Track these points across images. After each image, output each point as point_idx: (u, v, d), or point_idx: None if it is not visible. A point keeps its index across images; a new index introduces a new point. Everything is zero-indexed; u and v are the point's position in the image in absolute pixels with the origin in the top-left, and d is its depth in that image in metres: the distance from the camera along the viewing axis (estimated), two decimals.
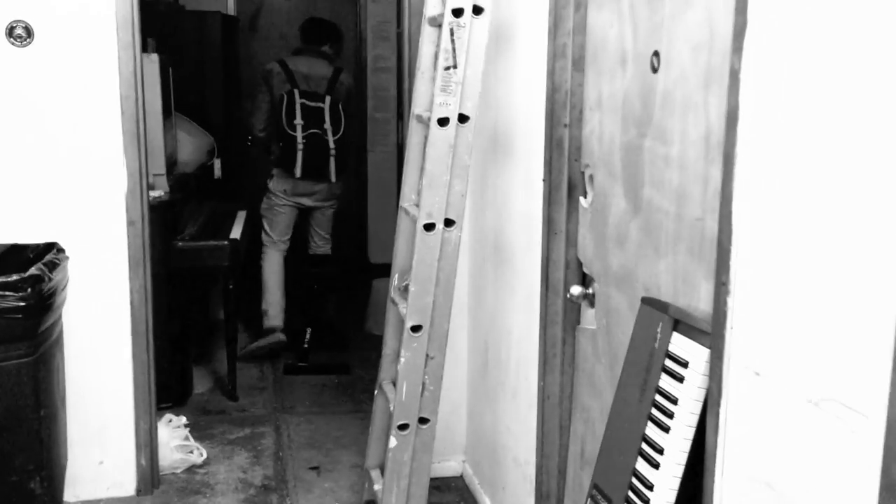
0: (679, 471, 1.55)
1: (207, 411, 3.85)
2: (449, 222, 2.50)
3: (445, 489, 3.22)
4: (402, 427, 2.58)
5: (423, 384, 2.58)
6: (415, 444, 2.61)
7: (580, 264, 2.27)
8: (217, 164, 5.16)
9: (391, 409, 2.64)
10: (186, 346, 4.06)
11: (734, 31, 1.38)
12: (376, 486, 2.79)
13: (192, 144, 4.72)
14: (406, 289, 2.62)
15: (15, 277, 2.48)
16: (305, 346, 4.46)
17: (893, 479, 1.06)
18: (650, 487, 1.59)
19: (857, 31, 1.12)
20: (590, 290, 2.21)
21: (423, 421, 2.60)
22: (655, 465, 1.59)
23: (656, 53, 1.80)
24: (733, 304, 1.42)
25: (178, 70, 4.38)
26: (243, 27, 6.28)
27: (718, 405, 1.46)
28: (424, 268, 2.50)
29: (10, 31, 2.80)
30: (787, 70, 1.26)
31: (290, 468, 3.33)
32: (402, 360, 2.55)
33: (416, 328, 2.53)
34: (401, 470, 2.61)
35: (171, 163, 4.19)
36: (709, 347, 1.50)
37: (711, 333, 1.48)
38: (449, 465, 3.32)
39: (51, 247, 2.80)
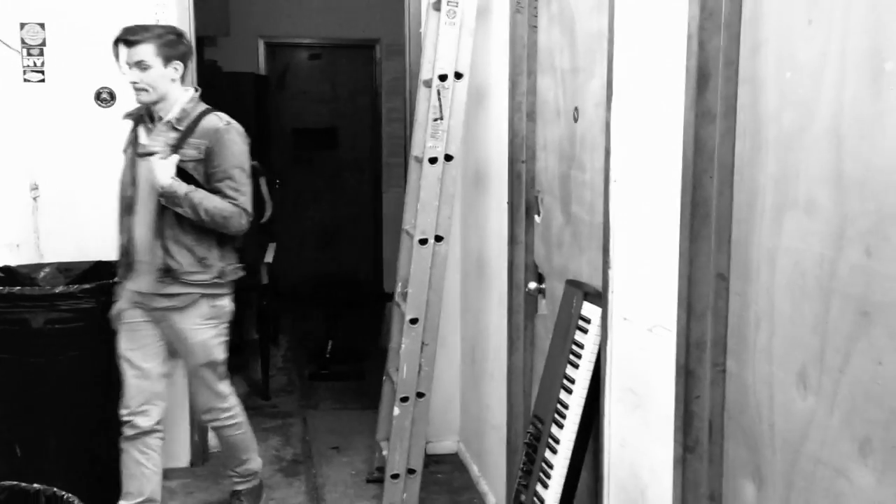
0: (584, 393, 2.25)
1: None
2: (438, 238, 3.22)
3: (443, 462, 3.90)
4: (404, 399, 3.28)
5: (420, 365, 3.28)
6: (414, 413, 3.30)
7: (536, 266, 2.98)
8: None
9: (395, 388, 3.34)
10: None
11: (606, 97, 2.11)
12: (385, 452, 3.47)
13: None
14: (407, 293, 3.34)
15: (106, 282, 3.23)
16: (328, 356, 5.18)
17: (682, 365, 1.76)
18: (566, 407, 2.29)
19: (664, 107, 1.85)
20: (543, 286, 2.92)
21: (420, 395, 3.30)
22: (570, 392, 2.29)
23: (576, 109, 2.54)
24: (612, 275, 2.13)
25: None
26: (272, 85, 7.10)
27: (606, 343, 2.16)
28: (420, 274, 3.23)
29: (98, 96, 3.60)
30: (636, 123, 1.99)
31: (315, 448, 4.02)
32: (403, 346, 3.26)
33: (413, 321, 3.24)
34: (403, 434, 3.29)
35: None
36: (601, 307, 2.20)
37: (602, 297, 2.19)
38: (446, 444, 4.00)
39: None
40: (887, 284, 1.24)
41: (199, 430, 3.81)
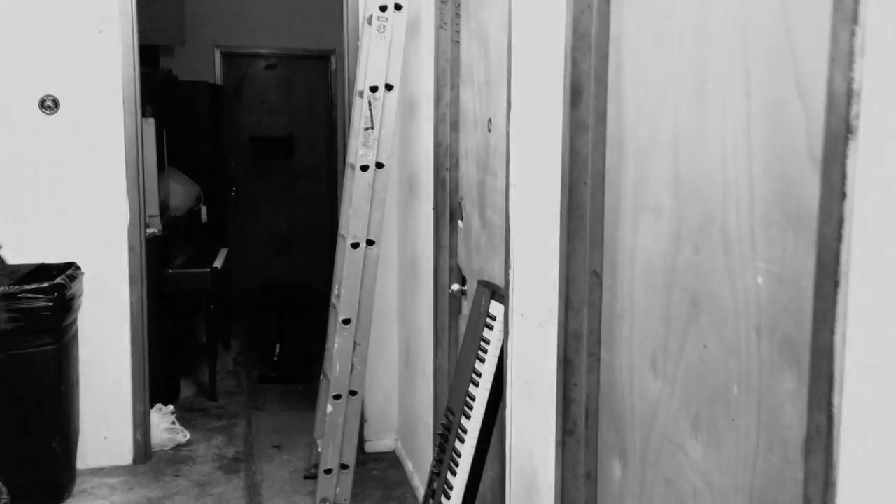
0: (489, 386, 2.40)
1: (192, 409, 4.66)
2: (370, 242, 3.36)
3: (381, 460, 4.03)
4: (337, 397, 3.41)
5: (352, 364, 3.41)
6: (346, 411, 3.43)
7: (460, 269, 3.13)
8: (203, 209, 6.06)
9: (329, 385, 3.47)
10: (175, 358, 4.89)
11: (506, 109, 2.27)
12: (320, 449, 3.60)
13: (182, 192, 5.62)
14: (340, 295, 3.48)
15: (45, 284, 3.34)
16: (276, 358, 5.29)
17: (562, 356, 1.92)
18: (474, 399, 2.43)
19: (546, 125, 2.01)
20: (465, 288, 3.07)
21: (352, 393, 3.43)
22: (477, 385, 2.44)
23: (490, 119, 2.70)
24: (512, 275, 2.28)
25: (171, 130, 5.29)
26: (228, 94, 7.21)
27: (508, 338, 2.31)
28: (352, 276, 3.36)
29: (42, 103, 3.70)
30: (528, 133, 2.15)
31: (257, 446, 4.14)
32: (336, 346, 3.39)
33: (346, 321, 3.37)
34: (336, 431, 3.42)
35: (164, 207, 5.07)
36: (505, 305, 2.36)
37: (505, 296, 2.34)
38: (384, 443, 4.14)
39: (70, 265, 3.66)
40: (709, 277, 1.40)
41: (141, 428, 3.91)
